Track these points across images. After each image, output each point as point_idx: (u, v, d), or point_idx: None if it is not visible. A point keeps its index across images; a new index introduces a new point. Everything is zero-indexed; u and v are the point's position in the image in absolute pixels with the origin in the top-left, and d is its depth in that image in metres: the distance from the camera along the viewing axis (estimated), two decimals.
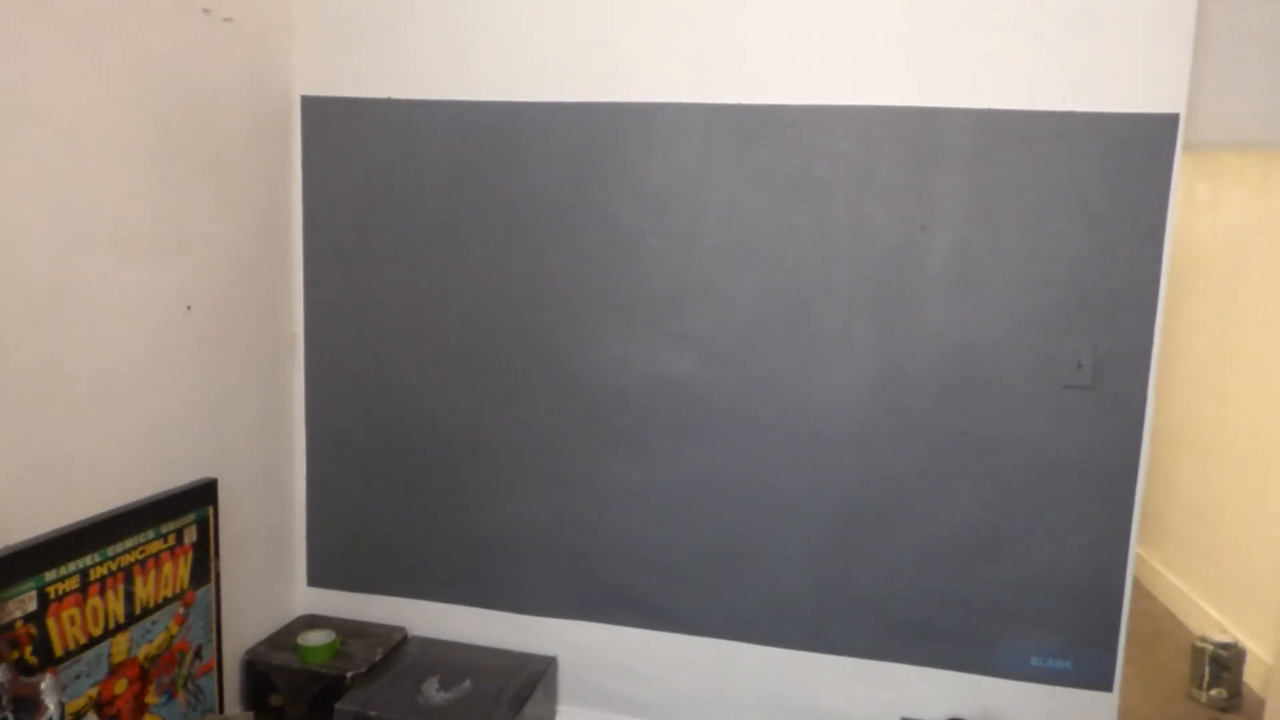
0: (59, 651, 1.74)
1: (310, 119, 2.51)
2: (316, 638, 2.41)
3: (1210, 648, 3.01)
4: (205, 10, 2.12)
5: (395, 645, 2.51)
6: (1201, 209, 3.77)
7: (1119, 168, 2.09)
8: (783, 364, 2.31)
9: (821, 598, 2.36)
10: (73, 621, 1.77)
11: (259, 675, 2.37)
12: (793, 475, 2.33)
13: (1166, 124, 2.06)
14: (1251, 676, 3.11)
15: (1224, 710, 2.98)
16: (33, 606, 1.67)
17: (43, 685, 1.57)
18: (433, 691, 2.29)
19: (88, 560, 1.81)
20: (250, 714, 2.14)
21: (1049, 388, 2.18)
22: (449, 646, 2.55)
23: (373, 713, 2.20)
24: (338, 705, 2.22)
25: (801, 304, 2.28)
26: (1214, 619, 3.44)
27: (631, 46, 2.30)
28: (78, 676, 1.79)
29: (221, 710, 2.25)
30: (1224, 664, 2.98)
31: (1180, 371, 3.87)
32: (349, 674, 2.31)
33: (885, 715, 2.36)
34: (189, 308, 2.14)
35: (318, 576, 2.68)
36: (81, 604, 1.79)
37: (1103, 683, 2.24)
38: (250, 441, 2.41)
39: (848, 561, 2.33)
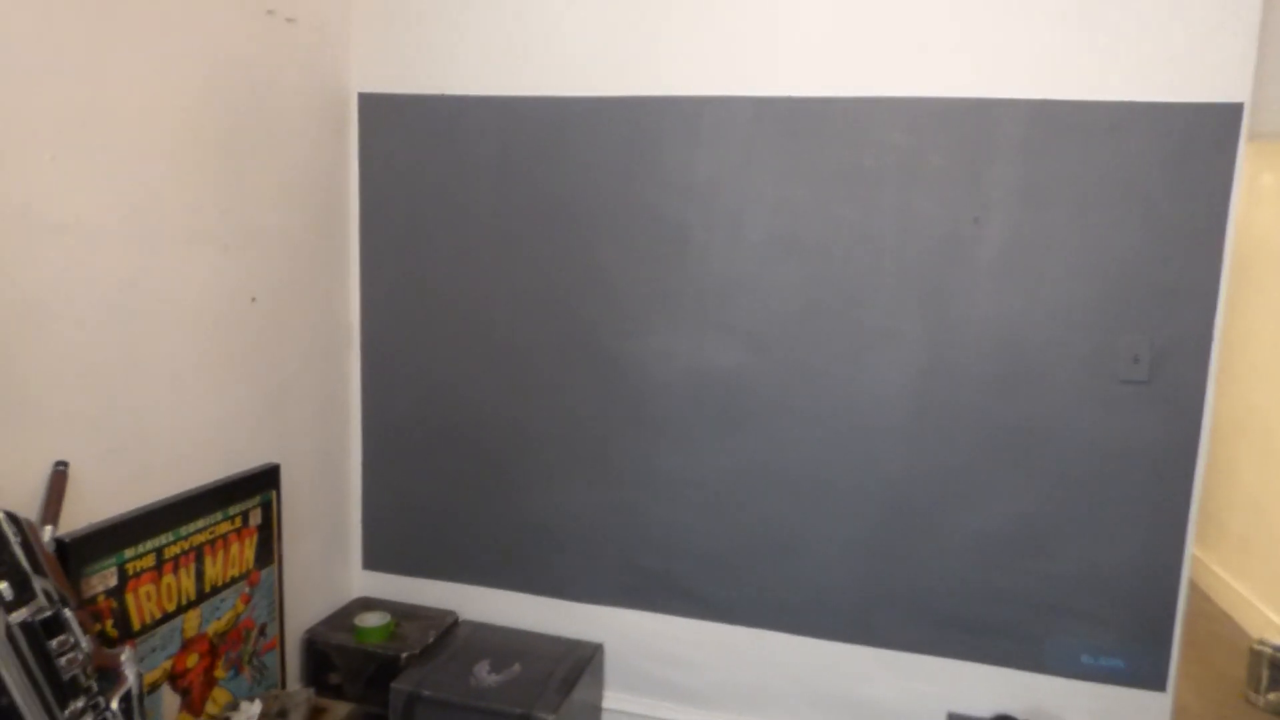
0: (137, 625, 1.84)
1: (367, 115, 2.58)
2: (372, 619, 2.49)
3: (1269, 650, 2.93)
4: (269, 12, 2.20)
5: (447, 628, 2.58)
6: (1266, 200, 3.65)
7: (1179, 159, 2.05)
8: (830, 356, 2.31)
9: (868, 590, 2.36)
10: (149, 597, 1.87)
11: (318, 654, 2.46)
12: (840, 467, 2.34)
13: (1230, 114, 2.00)
14: None
15: None
16: (114, 582, 1.77)
17: (123, 657, 1.65)
18: (484, 674, 2.35)
19: (163, 539, 1.90)
20: (311, 690, 2.22)
21: (1104, 382, 2.15)
22: (498, 630, 2.61)
23: (427, 692, 2.27)
24: (393, 684, 2.30)
25: (849, 296, 2.28)
26: (1273, 622, 3.35)
27: (679, 41, 2.31)
28: (153, 649, 1.89)
29: (284, 686, 2.35)
30: None
31: (1242, 366, 3.75)
32: (403, 655, 2.39)
33: (932, 710, 2.36)
34: (254, 299, 2.22)
35: (372, 560, 2.76)
36: (157, 581, 1.89)
37: (1156, 682, 2.21)
38: (310, 429, 2.50)
39: (895, 554, 2.33)
